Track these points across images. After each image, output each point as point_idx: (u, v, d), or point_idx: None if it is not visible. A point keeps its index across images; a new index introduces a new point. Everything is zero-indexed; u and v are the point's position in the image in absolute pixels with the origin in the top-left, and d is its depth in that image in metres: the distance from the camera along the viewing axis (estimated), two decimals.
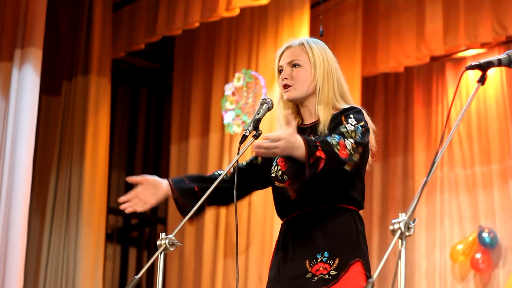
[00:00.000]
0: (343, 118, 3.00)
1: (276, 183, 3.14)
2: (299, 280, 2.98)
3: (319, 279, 2.94)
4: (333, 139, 2.87)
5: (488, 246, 7.45)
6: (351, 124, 2.97)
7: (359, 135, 2.95)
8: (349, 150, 2.88)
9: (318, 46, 3.17)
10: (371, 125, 3.08)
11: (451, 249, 7.64)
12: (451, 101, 7.96)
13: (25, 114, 6.40)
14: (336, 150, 2.85)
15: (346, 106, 3.10)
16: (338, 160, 2.85)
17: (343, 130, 2.95)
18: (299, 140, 2.80)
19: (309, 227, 3.01)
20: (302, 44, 3.17)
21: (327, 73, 3.12)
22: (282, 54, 3.20)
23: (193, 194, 3.16)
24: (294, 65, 3.15)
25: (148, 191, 3.14)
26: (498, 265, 7.53)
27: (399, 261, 2.28)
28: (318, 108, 3.09)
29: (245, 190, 3.27)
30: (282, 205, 3.13)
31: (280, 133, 2.80)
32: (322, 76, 3.11)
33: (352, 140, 2.91)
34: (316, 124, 3.10)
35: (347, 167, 2.89)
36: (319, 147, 2.82)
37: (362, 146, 2.94)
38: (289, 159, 2.87)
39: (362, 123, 3.00)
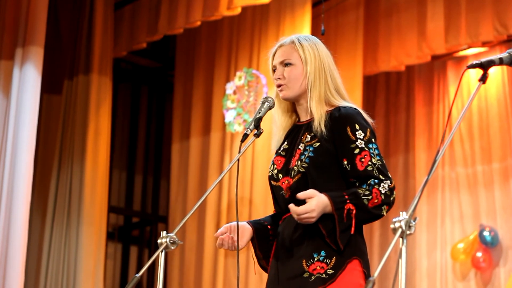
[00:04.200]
0: (349, 130, 3.01)
1: (272, 182, 3.15)
2: (297, 280, 2.98)
3: (316, 279, 2.94)
4: (367, 190, 2.94)
5: (489, 244, 7.45)
6: (360, 140, 3.00)
7: (378, 158, 3.00)
8: (384, 194, 2.95)
9: (310, 43, 3.16)
10: (369, 120, 3.08)
11: (452, 247, 7.64)
12: (452, 100, 7.97)
13: (26, 112, 6.40)
14: (366, 202, 2.93)
15: (342, 102, 3.11)
16: (369, 213, 2.94)
17: (357, 152, 2.99)
18: (325, 201, 2.91)
19: (305, 225, 3.00)
20: (293, 42, 3.16)
21: (319, 69, 3.12)
22: (275, 53, 3.20)
23: (265, 234, 3.19)
24: (286, 64, 3.15)
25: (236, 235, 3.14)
26: (499, 263, 7.53)
27: (400, 260, 2.27)
28: (311, 105, 3.10)
29: None
30: (279, 204, 3.14)
31: (308, 206, 2.90)
32: (313, 73, 3.11)
33: (387, 183, 2.97)
34: (311, 121, 3.11)
35: (384, 212, 2.96)
36: (348, 201, 2.91)
37: (389, 175, 3.01)
38: (328, 219, 2.94)
39: (368, 134, 3.02)
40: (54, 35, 7.48)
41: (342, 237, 2.92)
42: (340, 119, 3.03)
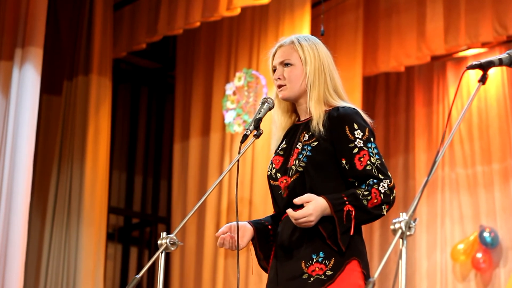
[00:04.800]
0: (347, 130, 3.00)
1: (271, 181, 3.15)
2: (296, 281, 2.98)
3: (315, 280, 2.94)
4: (366, 190, 2.93)
5: (489, 245, 7.45)
6: (359, 139, 2.99)
7: (377, 157, 3.00)
8: (383, 193, 2.94)
9: (309, 43, 3.16)
10: (368, 120, 3.08)
11: (452, 248, 7.64)
12: (452, 100, 7.97)
13: (26, 113, 6.39)
14: (365, 202, 2.91)
15: (340, 102, 3.10)
16: (368, 214, 2.93)
17: (355, 152, 2.98)
18: (323, 204, 2.89)
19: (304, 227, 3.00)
20: (293, 42, 3.16)
21: (318, 69, 3.12)
22: (275, 53, 3.21)
23: (265, 234, 3.19)
24: (285, 64, 3.15)
25: (234, 236, 3.14)
26: (499, 264, 7.53)
27: (400, 261, 2.27)
28: (309, 105, 3.10)
29: None
30: (277, 204, 3.14)
31: (306, 211, 2.88)
32: (313, 73, 3.11)
33: (386, 182, 2.96)
34: (309, 121, 3.11)
35: (384, 212, 2.96)
36: (347, 202, 2.90)
37: (389, 174, 3.00)
38: (328, 222, 2.93)
39: (367, 134, 3.02)
40: (53, 35, 7.48)
41: (343, 238, 2.91)
42: (339, 119, 3.03)
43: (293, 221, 2.91)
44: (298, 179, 3.02)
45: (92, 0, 7.40)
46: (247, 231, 3.13)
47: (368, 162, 2.97)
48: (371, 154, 2.98)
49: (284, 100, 3.17)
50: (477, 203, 7.70)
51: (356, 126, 3.01)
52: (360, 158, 2.97)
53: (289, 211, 2.91)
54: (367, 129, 3.03)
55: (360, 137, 3.00)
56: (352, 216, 2.90)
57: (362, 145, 2.99)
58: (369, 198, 2.91)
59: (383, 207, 2.94)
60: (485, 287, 7.54)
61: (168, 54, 8.78)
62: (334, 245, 2.93)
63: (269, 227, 3.18)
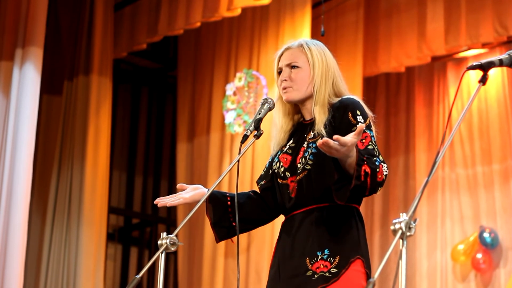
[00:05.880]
0: (350, 115, 3.02)
1: (279, 180, 3.15)
2: (299, 278, 2.99)
3: (320, 277, 2.94)
4: (376, 161, 2.90)
5: (489, 246, 7.45)
6: (361, 123, 2.99)
7: (376, 147, 2.98)
8: (385, 175, 2.92)
9: (317, 48, 3.19)
10: (369, 114, 3.10)
11: (452, 249, 7.64)
12: (452, 101, 7.97)
13: (26, 113, 6.39)
14: (378, 170, 2.88)
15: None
16: (375, 182, 2.88)
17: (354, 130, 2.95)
18: (354, 152, 2.83)
19: (310, 224, 3.01)
20: (301, 45, 3.19)
21: (326, 74, 3.15)
22: (281, 55, 3.22)
23: (222, 202, 3.20)
24: (293, 66, 3.17)
25: (187, 192, 3.19)
26: (499, 265, 7.53)
27: (400, 261, 2.27)
28: (314, 109, 3.12)
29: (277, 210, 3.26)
30: (283, 202, 3.14)
31: (348, 139, 2.77)
32: (320, 77, 3.14)
33: (384, 167, 2.94)
34: (313, 121, 3.13)
35: (378, 192, 2.94)
36: (365, 162, 2.84)
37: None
38: (336, 167, 2.87)
39: (368, 122, 3.04)
40: (54, 36, 7.49)
41: (349, 192, 2.86)
42: (341, 106, 3.07)
43: (329, 143, 2.77)
44: (306, 177, 3.04)
45: (92, 0, 7.40)
46: (196, 190, 3.18)
47: (370, 143, 2.97)
48: (372, 138, 2.99)
49: (288, 102, 3.18)
50: (477, 204, 7.71)
51: (358, 112, 3.04)
52: (362, 140, 2.98)
53: (326, 140, 2.77)
54: (368, 118, 3.06)
55: (362, 121, 3.02)
56: (369, 175, 2.85)
57: (364, 128, 2.99)
58: (377, 170, 2.90)
59: (379, 188, 2.93)
60: (485, 287, 7.55)
61: (169, 54, 8.78)
62: (337, 194, 2.87)
63: (228, 198, 3.20)
